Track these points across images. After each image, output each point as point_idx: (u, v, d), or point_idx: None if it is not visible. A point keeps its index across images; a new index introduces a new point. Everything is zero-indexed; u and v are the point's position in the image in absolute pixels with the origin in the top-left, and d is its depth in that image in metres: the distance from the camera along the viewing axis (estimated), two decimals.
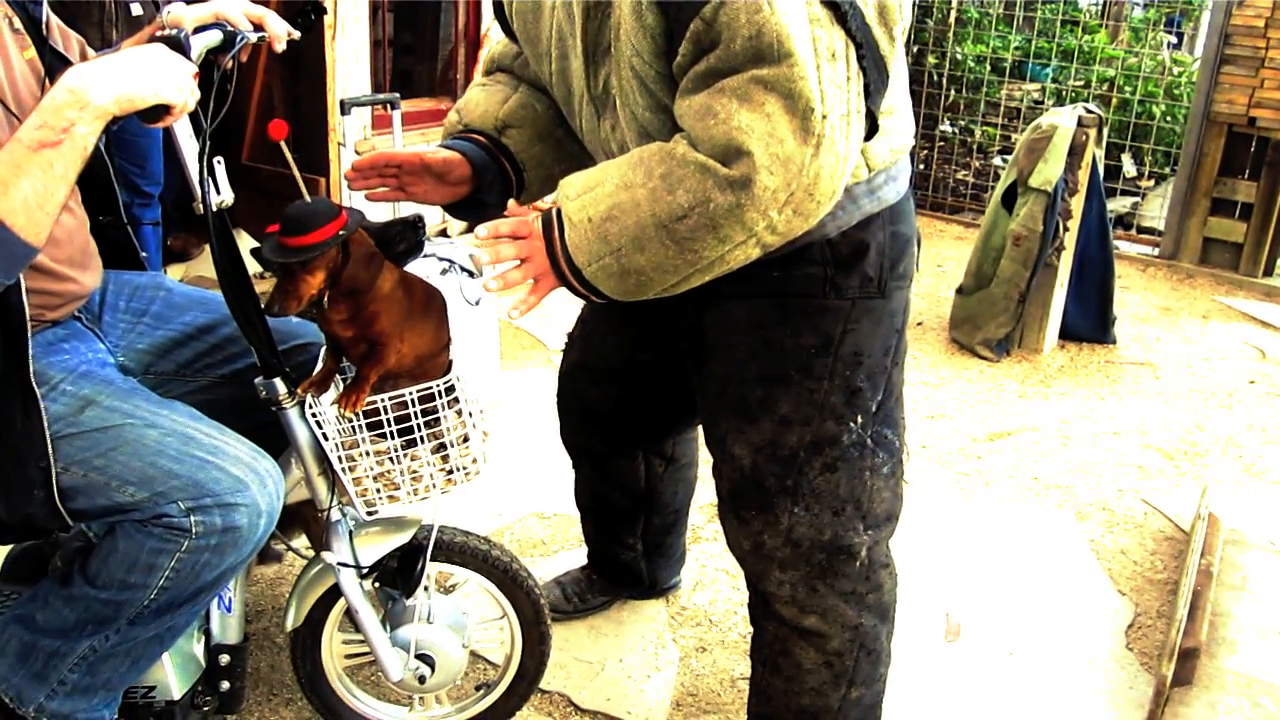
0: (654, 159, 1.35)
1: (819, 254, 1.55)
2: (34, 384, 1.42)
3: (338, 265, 1.48)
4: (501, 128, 1.72)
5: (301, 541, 2.08)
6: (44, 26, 1.59)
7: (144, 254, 1.87)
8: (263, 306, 1.48)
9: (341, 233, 1.45)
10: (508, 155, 1.72)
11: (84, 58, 1.67)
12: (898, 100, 1.53)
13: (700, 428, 1.82)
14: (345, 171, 1.70)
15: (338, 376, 1.65)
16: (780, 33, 1.23)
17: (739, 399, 1.64)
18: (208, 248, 1.51)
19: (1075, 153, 3.80)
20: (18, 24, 1.55)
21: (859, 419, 1.62)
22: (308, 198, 1.44)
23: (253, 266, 1.53)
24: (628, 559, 2.35)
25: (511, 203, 1.55)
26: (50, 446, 1.43)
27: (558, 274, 1.42)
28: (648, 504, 2.25)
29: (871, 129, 1.37)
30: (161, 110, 1.34)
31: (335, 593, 1.75)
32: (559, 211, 1.41)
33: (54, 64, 1.55)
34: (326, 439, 1.59)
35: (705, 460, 3.08)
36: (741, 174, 1.28)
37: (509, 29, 1.68)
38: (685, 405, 2.02)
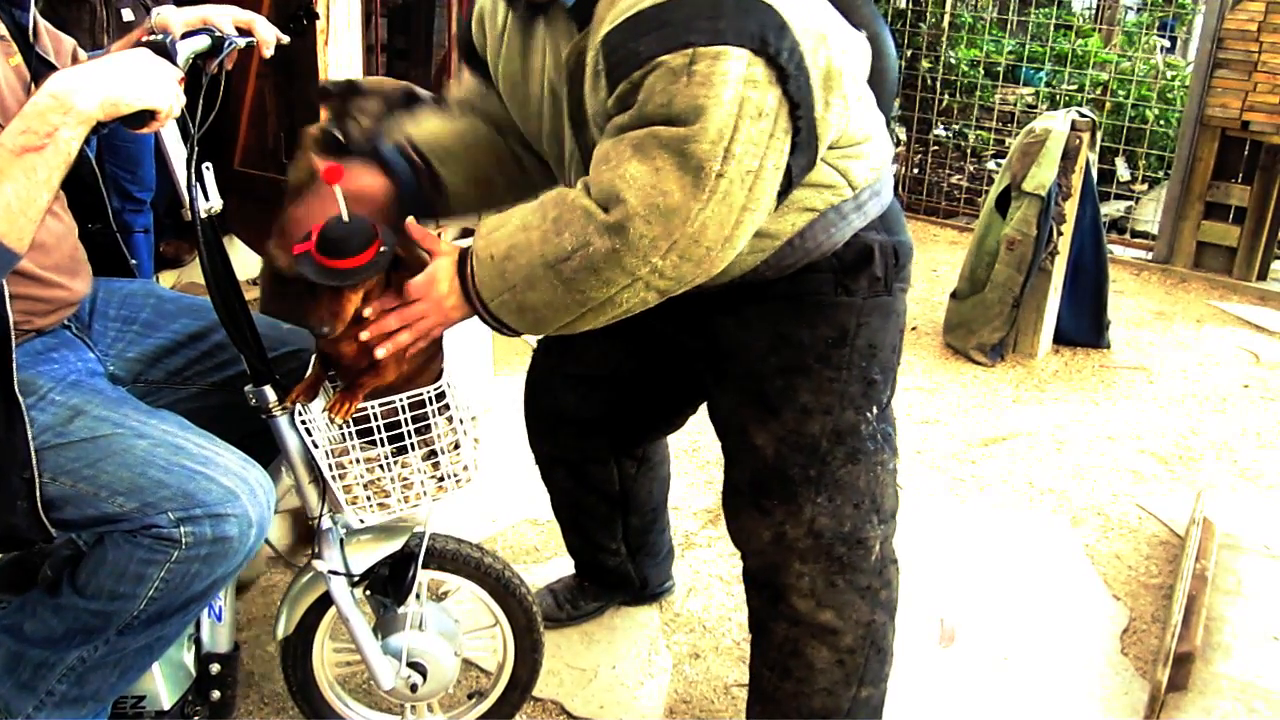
0: (550, 202, 1.41)
1: (825, 264, 1.61)
2: (18, 393, 1.40)
3: (378, 282, 1.48)
4: (442, 158, 1.70)
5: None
6: (31, 33, 1.58)
7: (134, 261, 1.86)
8: (318, 331, 1.45)
9: (384, 249, 1.44)
10: (438, 185, 1.70)
11: (75, 60, 1.66)
12: (873, 126, 1.60)
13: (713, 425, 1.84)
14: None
15: (326, 383, 1.64)
16: (693, 103, 1.28)
17: (759, 393, 1.67)
18: None
19: (1069, 157, 3.80)
20: (3, 30, 1.54)
21: (874, 410, 1.68)
22: (345, 215, 1.44)
23: (244, 273, 1.52)
24: (613, 564, 2.34)
25: (410, 221, 1.54)
26: (34, 457, 1.41)
27: (471, 307, 1.47)
28: (624, 506, 2.24)
29: (786, 186, 1.41)
30: (146, 116, 1.34)
31: (326, 601, 1.74)
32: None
33: (40, 70, 1.54)
34: (316, 446, 1.58)
35: (694, 467, 3.09)
36: (617, 220, 1.33)
37: (474, 66, 1.72)
38: (666, 413, 2.08)
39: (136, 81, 1.31)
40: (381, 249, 1.43)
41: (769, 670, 1.81)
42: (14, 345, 1.41)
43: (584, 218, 1.35)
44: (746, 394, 1.70)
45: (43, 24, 1.64)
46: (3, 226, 1.27)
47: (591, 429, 2.11)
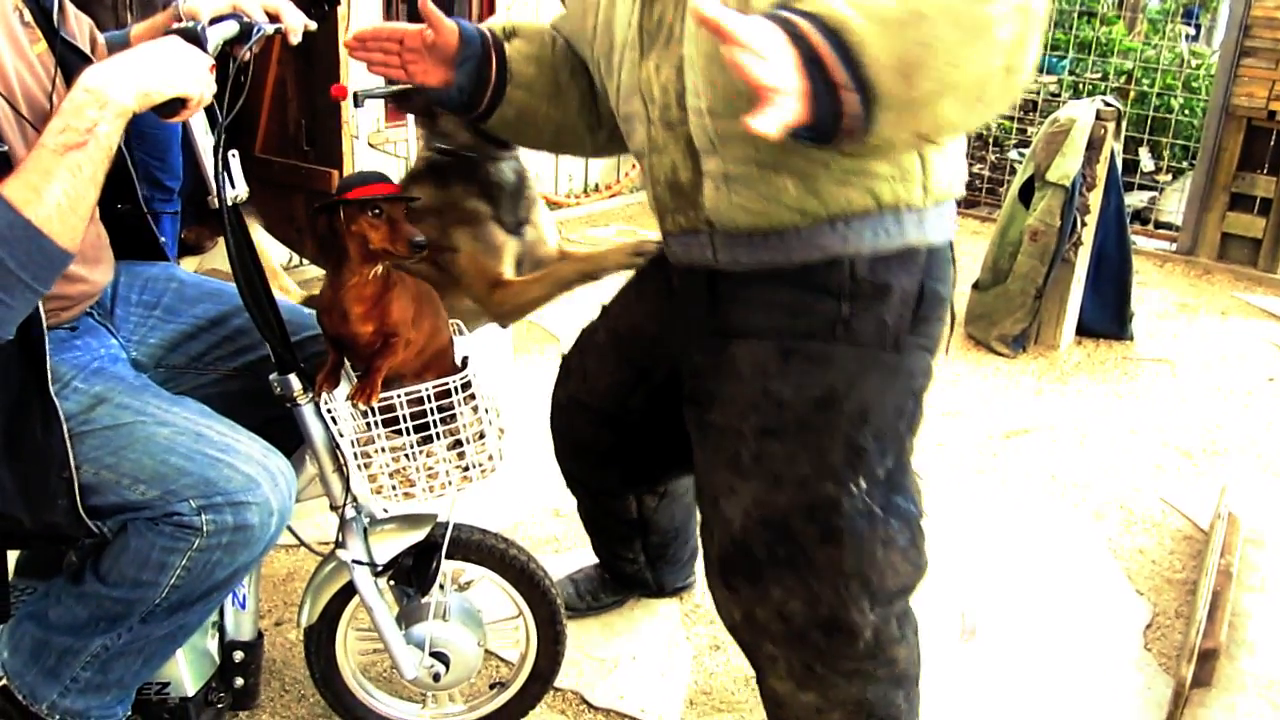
0: None
1: (837, 284, 1.47)
2: (53, 395, 1.40)
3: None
4: (510, 33, 1.71)
5: (315, 536, 2.07)
6: (55, 17, 1.57)
7: (163, 239, 1.85)
8: (416, 243, 1.51)
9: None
10: (501, 60, 1.70)
11: (94, 42, 1.64)
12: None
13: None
14: (345, 40, 1.70)
15: (350, 369, 1.64)
16: None
17: (734, 454, 1.53)
18: (221, 240, 1.49)
19: (1093, 146, 3.76)
20: (28, 16, 1.52)
21: (862, 484, 1.48)
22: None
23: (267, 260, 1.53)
24: (632, 570, 2.34)
25: None
26: (72, 456, 1.41)
27: (824, 74, 1.13)
28: (643, 530, 2.23)
29: None
30: (178, 104, 1.33)
31: (350, 590, 1.74)
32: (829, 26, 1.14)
33: (65, 54, 1.52)
34: (342, 435, 1.58)
35: None
36: None
37: None
38: (676, 455, 1.82)
39: (169, 70, 1.31)
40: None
41: None
42: (48, 347, 1.40)
43: None
44: (721, 454, 1.54)
45: (68, 6, 1.62)
46: (56, 226, 1.26)
47: (604, 462, 2.09)
